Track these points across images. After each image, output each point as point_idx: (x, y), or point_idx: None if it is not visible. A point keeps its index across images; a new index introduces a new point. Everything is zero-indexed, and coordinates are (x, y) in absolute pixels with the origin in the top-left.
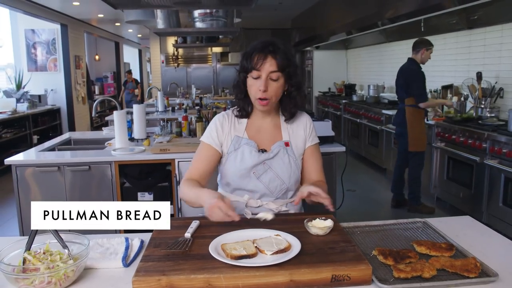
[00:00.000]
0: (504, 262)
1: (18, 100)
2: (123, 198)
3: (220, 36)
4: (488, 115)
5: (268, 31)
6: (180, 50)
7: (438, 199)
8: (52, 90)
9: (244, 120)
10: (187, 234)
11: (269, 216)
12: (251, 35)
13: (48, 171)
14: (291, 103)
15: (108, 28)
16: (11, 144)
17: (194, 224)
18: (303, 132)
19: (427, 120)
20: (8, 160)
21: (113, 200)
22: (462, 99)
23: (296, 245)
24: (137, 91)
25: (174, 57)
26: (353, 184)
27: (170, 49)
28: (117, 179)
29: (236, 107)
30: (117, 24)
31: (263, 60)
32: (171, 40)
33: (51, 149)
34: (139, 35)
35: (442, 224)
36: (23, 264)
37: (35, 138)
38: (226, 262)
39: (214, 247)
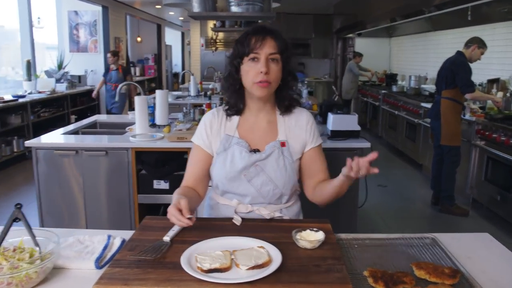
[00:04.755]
0: None
1: (58, 80)
2: (139, 186)
3: (259, 21)
4: None
5: (310, 16)
6: (220, 34)
7: (474, 200)
8: (92, 71)
9: (236, 117)
10: (166, 238)
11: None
12: (291, 20)
13: (66, 155)
14: (287, 93)
15: (150, 11)
16: (49, 123)
17: (177, 226)
18: (303, 132)
19: (464, 116)
20: (28, 143)
21: (129, 187)
22: (508, 94)
23: (276, 261)
24: (124, 88)
25: (212, 40)
26: (386, 179)
27: (210, 33)
28: (133, 165)
29: (225, 105)
30: (158, 6)
31: (262, 41)
32: (211, 24)
33: (75, 132)
34: (181, 18)
35: (455, 242)
36: None
37: (72, 118)
38: (194, 276)
39: (188, 256)
